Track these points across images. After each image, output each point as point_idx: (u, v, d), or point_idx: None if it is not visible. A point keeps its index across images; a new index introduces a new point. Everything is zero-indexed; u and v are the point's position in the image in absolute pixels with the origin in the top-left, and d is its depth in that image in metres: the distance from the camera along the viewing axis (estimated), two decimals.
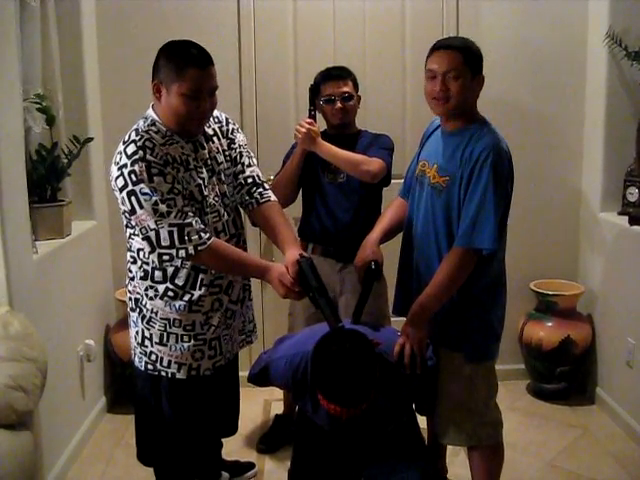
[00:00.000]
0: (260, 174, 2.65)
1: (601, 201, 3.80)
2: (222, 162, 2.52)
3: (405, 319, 2.49)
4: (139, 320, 2.48)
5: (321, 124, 3.12)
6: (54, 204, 3.24)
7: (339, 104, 3.06)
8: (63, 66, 3.47)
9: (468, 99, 2.44)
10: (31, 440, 2.34)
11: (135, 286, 2.48)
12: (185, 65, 2.26)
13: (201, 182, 2.40)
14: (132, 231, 2.41)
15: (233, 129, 2.61)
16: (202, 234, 2.31)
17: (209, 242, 2.32)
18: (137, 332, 2.51)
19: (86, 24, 3.61)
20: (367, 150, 3.04)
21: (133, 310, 2.51)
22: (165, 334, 2.44)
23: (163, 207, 2.25)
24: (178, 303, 2.41)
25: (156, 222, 2.26)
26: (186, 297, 2.41)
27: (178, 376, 2.47)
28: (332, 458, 2.55)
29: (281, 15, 3.86)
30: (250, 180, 2.59)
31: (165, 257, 2.33)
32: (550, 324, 3.80)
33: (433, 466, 2.81)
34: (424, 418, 2.78)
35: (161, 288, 2.41)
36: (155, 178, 2.25)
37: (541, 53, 3.89)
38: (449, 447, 3.01)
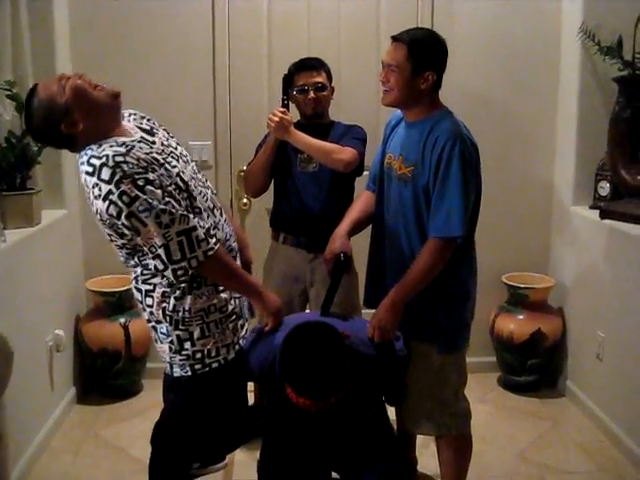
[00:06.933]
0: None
1: (573, 195, 3.83)
2: (176, 146, 2.43)
3: (375, 311, 2.49)
4: (171, 329, 2.37)
5: (295, 115, 3.10)
6: (23, 192, 3.21)
7: (312, 94, 3.04)
8: (34, 52, 3.43)
9: (409, 94, 2.42)
10: None
11: (159, 297, 2.35)
12: None
13: (177, 170, 2.31)
14: (140, 255, 2.30)
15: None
16: (209, 239, 2.26)
17: (216, 247, 2.27)
18: (172, 341, 2.38)
19: (57, 9, 3.55)
20: (340, 140, 3.02)
21: (160, 322, 2.38)
22: (205, 326, 2.37)
23: (165, 217, 2.16)
24: (205, 288, 2.35)
25: (163, 235, 2.17)
26: (208, 280, 2.36)
27: (229, 357, 2.44)
28: (302, 450, 2.55)
29: (256, 7, 3.83)
30: None
31: (179, 272, 2.24)
32: (521, 317, 3.83)
33: (402, 457, 2.82)
34: (393, 409, 2.78)
35: (185, 284, 2.32)
36: (145, 188, 2.14)
37: (515, 48, 3.90)
38: (419, 439, 3.02)
